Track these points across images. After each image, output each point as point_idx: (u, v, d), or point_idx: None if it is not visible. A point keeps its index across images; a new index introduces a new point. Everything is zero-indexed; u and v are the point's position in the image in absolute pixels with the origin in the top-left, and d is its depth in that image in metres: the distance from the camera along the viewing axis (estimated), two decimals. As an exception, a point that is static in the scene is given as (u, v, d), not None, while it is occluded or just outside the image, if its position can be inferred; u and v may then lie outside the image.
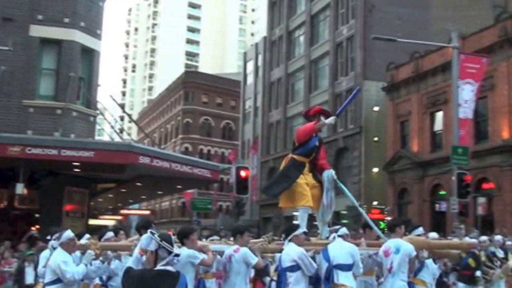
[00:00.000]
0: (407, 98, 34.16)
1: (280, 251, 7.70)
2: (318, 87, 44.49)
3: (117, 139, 29.94)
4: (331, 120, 8.58)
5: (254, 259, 7.47)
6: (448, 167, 21.77)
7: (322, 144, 8.82)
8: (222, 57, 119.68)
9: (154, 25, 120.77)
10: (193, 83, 71.66)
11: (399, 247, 7.78)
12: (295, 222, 9.52)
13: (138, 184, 23.35)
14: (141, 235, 7.46)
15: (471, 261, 11.62)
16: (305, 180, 8.43)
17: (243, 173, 21.16)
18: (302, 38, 47.62)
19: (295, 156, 8.53)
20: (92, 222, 24.67)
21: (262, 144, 50.24)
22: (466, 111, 21.53)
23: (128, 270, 4.98)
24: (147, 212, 43.90)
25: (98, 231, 8.85)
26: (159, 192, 32.65)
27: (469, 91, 21.80)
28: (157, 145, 58.78)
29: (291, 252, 7.40)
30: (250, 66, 56.34)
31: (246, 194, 22.21)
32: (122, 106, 44.57)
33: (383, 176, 35.67)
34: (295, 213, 41.29)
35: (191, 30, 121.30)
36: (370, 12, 38.66)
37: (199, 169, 20.82)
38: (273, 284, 8.60)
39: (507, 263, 12.86)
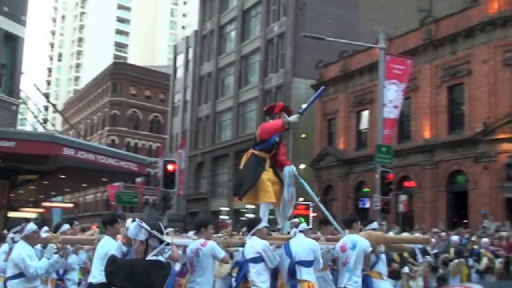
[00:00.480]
0: (335, 96, 34.80)
1: (243, 245, 7.74)
2: (248, 82, 44.62)
3: (40, 129, 28.91)
4: (294, 118, 8.54)
5: (222, 253, 7.44)
6: (372, 165, 22.32)
7: (282, 140, 8.86)
8: (152, 49, 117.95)
9: (82, 13, 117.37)
10: (121, 74, 70.26)
11: (355, 243, 7.93)
12: (248, 216, 9.52)
13: (62, 176, 22.61)
14: (107, 229, 7.48)
15: (396, 257, 11.93)
16: (267, 176, 8.44)
17: (170, 167, 20.90)
18: (233, 33, 47.59)
19: (256, 152, 8.54)
20: (11, 214, 23.68)
21: (190, 139, 49.90)
22: (390, 111, 22.15)
23: (114, 259, 4.75)
24: (71, 205, 42.69)
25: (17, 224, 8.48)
26: (84, 185, 31.81)
27: (394, 91, 22.43)
28: (83, 137, 57.27)
29: (255, 244, 7.49)
30: (181, 59, 55.78)
31: (173, 188, 21.96)
32: (46, 95, 43.04)
33: (310, 172, 36.20)
34: (222, 208, 41.47)
35: (121, 20, 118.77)
36: (302, 10, 39.11)
37: (125, 162, 20.37)
38: (233, 280, 8.59)
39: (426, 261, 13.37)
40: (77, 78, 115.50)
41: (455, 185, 27.48)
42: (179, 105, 54.83)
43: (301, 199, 35.28)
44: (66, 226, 8.86)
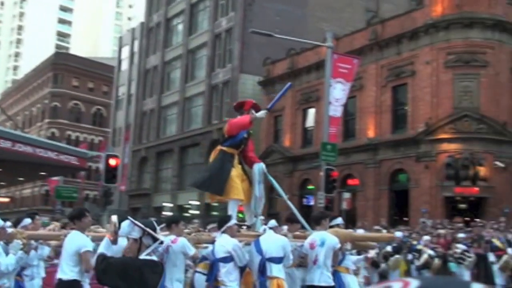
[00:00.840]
0: (282, 93, 34.81)
1: (213, 241, 7.79)
2: (195, 77, 44.16)
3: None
4: (262, 114, 8.70)
5: (192, 250, 7.44)
6: (317, 163, 22.42)
7: (250, 136, 8.95)
8: (96, 40, 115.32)
9: (22, 0, 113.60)
10: (63, 65, 68.32)
11: (324, 240, 8.03)
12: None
13: (-3, 169, 21.72)
14: (74, 224, 7.34)
15: None
16: (236, 172, 8.49)
17: (112, 162, 20.35)
18: (180, 27, 46.99)
19: (224, 148, 8.60)
20: None
21: (134, 133, 49.00)
22: (336, 109, 22.29)
23: (105, 258, 4.72)
24: (6, 199, 41.20)
25: None
26: (20, 179, 30.72)
27: (340, 90, 22.58)
28: (20, 129, 55.39)
29: (225, 243, 7.54)
30: (126, 51, 54.65)
31: (115, 183, 21.45)
32: (-17, 84, 41.39)
33: (255, 169, 36.15)
34: (165, 204, 40.80)
35: (64, 9, 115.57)
36: (250, 6, 38.96)
37: (65, 155, 19.75)
38: (197, 275, 8.86)
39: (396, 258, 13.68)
40: (16, 68, 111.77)
41: (397, 183, 27.99)
42: (123, 98, 53.74)
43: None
44: (27, 221, 8.62)
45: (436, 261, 15.01)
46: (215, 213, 37.96)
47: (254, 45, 37.11)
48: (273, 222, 8.40)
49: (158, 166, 46.64)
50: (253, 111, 8.71)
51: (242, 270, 7.82)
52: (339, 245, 8.23)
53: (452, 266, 14.86)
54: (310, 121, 33.06)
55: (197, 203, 38.72)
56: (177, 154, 43.49)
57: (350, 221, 24.94)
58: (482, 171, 24.88)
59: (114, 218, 5.52)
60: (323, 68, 24.05)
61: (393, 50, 28.29)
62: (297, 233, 8.86)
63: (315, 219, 8.66)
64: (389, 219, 25.93)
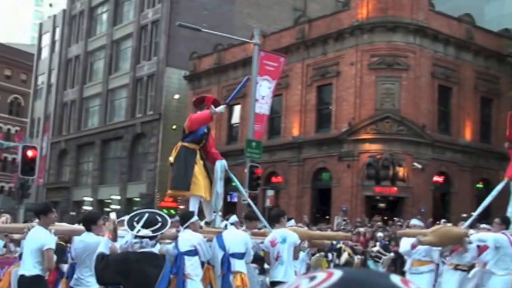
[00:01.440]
0: (208, 88, 34.53)
1: (175, 237, 7.81)
2: (119, 69, 43.07)
3: None
4: (221, 109, 8.68)
5: (163, 246, 7.44)
6: (242, 160, 22.38)
7: (210, 131, 9.00)
8: (14, 26, 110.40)
9: None
10: (-22, 50, 64.99)
11: (285, 237, 8.19)
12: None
13: None
14: (40, 219, 7.30)
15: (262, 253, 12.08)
16: (198, 169, 8.52)
17: (30, 153, 19.42)
18: (105, 16, 45.66)
19: (186, 144, 8.59)
20: None
21: (54, 124, 47.24)
22: (262, 106, 22.30)
23: (104, 256, 4.88)
24: None
25: None
26: None
27: (266, 87, 22.62)
28: None
29: (190, 238, 7.59)
30: (46, 39, 52.56)
31: (32, 175, 20.54)
32: None
33: (179, 165, 35.72)
34: (85, 198, 39.46)
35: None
36: (178, -2, 38.41)
37: (-22, 146, 18.70)
38: None
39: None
40: None
41: (319, 182, 28.39)
42: (42, 87, 51.69)
43: (169, 191, 34.79)
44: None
45: (356, 260, 15.32)
46: (136, 208, 37.25)
47: (180, 38, 36.59)
48: (234, 218, 8.80)
49: (78, 159, 45.23)
50: (212, 106, 8.68)
51: (202, 265, 7.92)
52: (299, 241, 8.45)
53: (370, 264, 15.22)
54: (235, 118, 32.98)
55: (118, 197, 37.85)
56: (98, 147, 42.33)
57: (273, 219, 25.07)
58: (401, 171, 25.64)
59: (113, 215, 5.67)
60: (250, 64, 24.00)
61: (319, 50, 28.63)
62: (255, 230, 9.01)
63: (274, 217, 8.82)
64: (311, 217, 26.26)
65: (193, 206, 8.60)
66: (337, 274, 0.85)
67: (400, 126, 25.98)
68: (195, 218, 7.97)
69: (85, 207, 39.10)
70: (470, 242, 9.02)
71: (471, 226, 10.15)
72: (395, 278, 0.83)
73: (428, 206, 25.71)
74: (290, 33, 30.32)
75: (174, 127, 37.15)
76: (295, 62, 28.94)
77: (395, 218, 21.99)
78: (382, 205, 26.22)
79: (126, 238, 7.55)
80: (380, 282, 0.80)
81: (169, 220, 5.31)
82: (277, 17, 38.26)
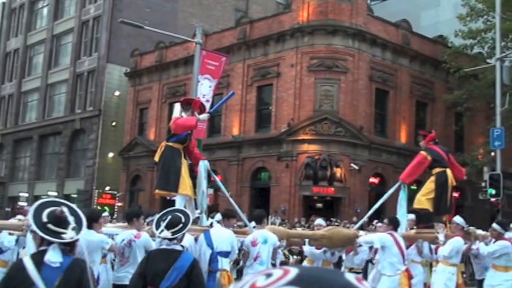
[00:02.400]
0: (149, 86, 34.33)
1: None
2: (59, 64, 42.20)
3: None
4: (204, 116, 9.00)
5: (153, 246, 7.47)
6: (181, 158, 22.31)
7: (192, 132, 9.10)
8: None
9: None
10: None
11: (266, 238, 8.35)
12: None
13: None
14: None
15: None
16: (183, 168, 8.71)
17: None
18: (45, 10, 44.65)
19: (170, 144, 8.72)
20: None
21: (-11, 118, 45.88)
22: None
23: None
24: None
25: None
26: None
27: (207, 86, 22.64)
28: None
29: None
30: (-16, 31, 50.93)
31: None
32: None
33: (118, 161, 35.33)
34: (21, 194, 38.27)
35: None
36: (120, -6, 37.94)
37: None
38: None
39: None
40: None
41: (258, 181, 28.63)
42: (-21, 80, 50.07)
43: (107, 187, 34.37)
44: None
45: (292, 259, 15.55)
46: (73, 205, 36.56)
47: (122, 35, 36.18)
48: (219, 216, 8.84)
49: (15, 154, 44.07)
50: (196, 113, 8.90)
51: None
52: (279, 243, 8.67)
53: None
54: (176, 115, 32.81)
55: (55, 193, 37.07)
56: (36, 142, 41.37)
57: (212, 217, 25.13)
58: (338, 172, 26.13)
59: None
60: (191, 63, 24.03)
61: (260, 51, 28.88)
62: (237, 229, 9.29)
63: (256, 218, 8.97)
64: (250, 216, 26.40)
65: (178, 205, 8.74)
66: (293, 271, 0.85)
67: (338, 128, 26.49)
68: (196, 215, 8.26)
69: (20, 203, 38.13)
70: (360, 245, 9.32)
71: (362, 227, 10.53)
72: (349, 276, 0.85)
73: (364, 207, 26.27)
74: (231, 33, 30.46)
75: (114, 123, 36.78)
76: (236, 62, 29.09)
77: (332, 219, 22.42)
78: (319, 205, 26.66)
79: (121, 236, 7.68)
80: (335, 279, 0.81)
81: (191, 220, 5.62)
82: (219, 17, 38.36)
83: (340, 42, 27.21)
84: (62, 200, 4.45)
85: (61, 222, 4.04)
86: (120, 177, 34.76)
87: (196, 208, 9.13)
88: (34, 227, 4.04)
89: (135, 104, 34.95)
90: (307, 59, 27.19)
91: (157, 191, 9.09)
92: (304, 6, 27.54)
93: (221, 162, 29.29)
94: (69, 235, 4.02)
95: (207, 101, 22.91)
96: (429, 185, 10.17)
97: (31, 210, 4.14)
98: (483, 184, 22.55)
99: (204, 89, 22.63)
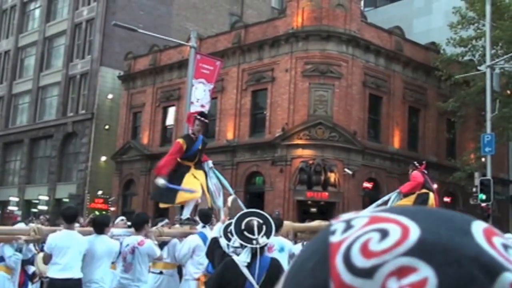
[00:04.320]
0: (143, 89, 34.30)
1: (175, 235, 8.20)
2: (51, 66, 42.04)
3: None
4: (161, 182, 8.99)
5: (157, 253, 7.57)
6: (176, 162, 22.33)
7: (205, 146, 9.42)
8: None
9: None
10: None
11: (283, 246, 8.49)
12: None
13: None
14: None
15: None
16: (191, 174, 8.81)
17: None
18: (37, 12, 44.48)
19: (179, 161, 8.88)
20: None
21: (-21, 120, 45.53)
22: (197, 109, 22.33)
23: (217, 240, 6.11)
24: None
25: None
26: None
27: (201, 90, 22.68)
28: None
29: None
30: (-26, 32, 50.62)
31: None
32: None
33: (111, 166, 35.23)
34: (11, 198, 37.87)
35: None
36: (114, -3, 37.91)
37: None
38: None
39: None
40: None
41: (253, 185, 28.68)
42: (-32, 82, 49.72)
43: (100, 192, 34.25)
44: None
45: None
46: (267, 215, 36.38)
47: (116, 38, 36.14)
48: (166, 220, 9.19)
49: (5, 158, 43.76)
50: (196, 121, 9.19)
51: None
52: (294, 250, 8.67)
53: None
54: (170, 120, 32.86)
55: (46, 198, 36.90)
56: (27, 145, 41.14)
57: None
58: (332, 177, 26.26)
59: (230, 199, 7.42)
60: (186, 67, 24.06)
61: (255, 56, 28.99)
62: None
63: (203, 217, 8.91)
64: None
65: (188, 208, 9.05)
66: (414, 232, 0.68)
67: (332, 133, 26.64)
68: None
69: (10, 207, 37.92)
70: None
71: None
72: (479, 236, 0.68)
73: (358, 211, 26.42)
74: (226, 38, 30.54)
75: (107, 127, 36.69)
76: (230, 67, 29.17)
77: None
78: (313, 209, 26.76)
79: (127, 241, 7.63)
80: (464, 248, 0.66)
81: (273, 225, 5.52)
82: (214, 21, 38.44)
83: (334, 47, 27.39)
84: (259, 211, 5.56)
85: (255, 230, 5.07)
86: (113, 181, 34.66)
87: (211, 208, 9.16)
88: (233, 233, 5.21)
89: (129, 107, 34.90)
90: (301, 64, 27.33)
91: (155, 200, 9.28)
92: (299, 12, 27.70)
93: (215, 167, 29.26)
94: (260, 241, 5.06)
95: (202, 106, 23.01)
96: (409, 199, 10.65)
97: (235, 218, 5.29)
98: (473, 189, 22.80)
99: (199, 93, 22.67)
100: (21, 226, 8.54)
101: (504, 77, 26.69)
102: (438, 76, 28.74)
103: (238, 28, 30.32)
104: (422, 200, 10.47)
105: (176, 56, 31.98)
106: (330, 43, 27.35)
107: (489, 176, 22.36)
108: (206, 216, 8.58)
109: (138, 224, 7.79)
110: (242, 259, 5.06)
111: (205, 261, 7.83)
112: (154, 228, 8.30)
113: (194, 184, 8.80)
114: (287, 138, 26.84)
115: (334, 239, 0.70)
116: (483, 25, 25.68)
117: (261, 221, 5.19)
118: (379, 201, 11.20)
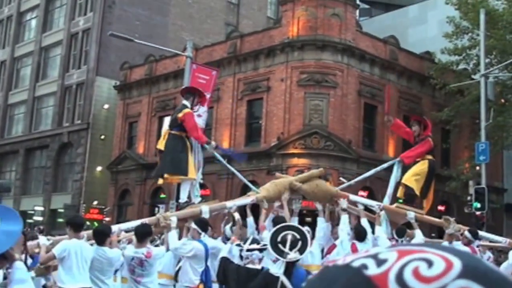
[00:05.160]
0: (138, 99, 34.34)
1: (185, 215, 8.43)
2: (47, 76, 42.08)
3: None
4: (210, 147, 9.60)
5: (172, 245, 7.84)
6: (171, 171, 22.32)
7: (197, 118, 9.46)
8: None
9: None
10: None
11: None
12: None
13: None
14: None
15: None
16: (189, 152, 8.97)
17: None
18: (34, 22, 44.57)
19: (174, 132, 8.95)
20: None
21: (-25, 131, 45.42)
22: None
23: (231, 262, 6.16)
24: None
25: None
26: None
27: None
28: None
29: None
30: (-30, 43, 50.64)
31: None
32: None
33: (106, 175, 35.18)
34: None
35: None
36: (110, 8, 37.99)
37: None
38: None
39: None
40: None
41: (248, 195, 28.61)
42: (-36, 92, 49.66)
43: (95, 202, 34.18)
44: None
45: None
46: (60, 220, 36.33)
47: (112, 48, 36.22)
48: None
49: (0, 168, 43.68)
50: (212, 143, 9.62)
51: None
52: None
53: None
54: (165, 129, 32.84)
55: (42, 208, 36.80)
56: (22, 156, 41.07)
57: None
58: (327, 186, 26.24)
59: (237, 215, 7.60)
60: (181, 77, 24.12)
61: (250, 65, 29.07)
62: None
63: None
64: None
65: (185, 190, 9.06)
66: (457, 262, 0.75)
67: (327, 142, 26.68)
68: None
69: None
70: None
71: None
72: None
73: (354, 220, 26.42)
74: (222, 47, 30.64)
75: (102, 137, 36.67)
76: (226, 76, 29.25)
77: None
78: (309, 219, 26.67)
79: (130, 252, 7.48)
80: (501, 273, 0.75)
81: (309, 242, 5.62)
82: (210, 31, 38.56)
83: (330, 57, 27.50)
84: (296, 225, 5.89)
85: (287, 244, 5.23)
86: (109, 191, 34.60)
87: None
88: (268, 245, 5.37)
89: (124, 117, 34.91)
90: (297, 73, 27.42)
91: (166, 175, 9.11)
92: (294, 21, 27.83)
93: (210, 176, 29.24)
94: (292, 256, 5.23)
95: (199, 116, 23.05)
96: (423, 166, 10.39)
97: (273, 229, 5.55)
98: (468, 198, 22.83)
99: (195, 103, 22.77)
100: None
101: (498, 85, 26.84)
102: (432, 85, 28.86)
103: (234, 37, 30.43)
104: (432, 167, 10.40)
105: (172, 66, 32.06)
106: (325, 52, 27.46)
107: (483, 184, 22.40)
108: (204, 223, 8.36)
109: (142, 236, 7.58)
110: (274, 270, 5.26)
111: (201, 269, 7.82)
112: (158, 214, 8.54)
113: (193, 170, 9.07)
114: (283, 147, 26.87)
115: (372, 272, 0.75)
116: (477, 35, 25.85)
117: (297, 236, 5.32)
118: (378, 169, 11.37)
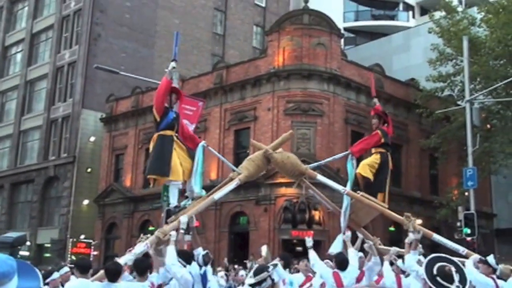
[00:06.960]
0: (125, 132, 34.17)
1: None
2: (32, 110, 41.83)
3: None
4: (171, 66, 8.89)
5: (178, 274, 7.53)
6: (159, 204, 22.13)
7: (179, 116, 8.86)
8: None
9: None
10: None
11: (292, 281, 8.75)
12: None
13: None
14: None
15: None
16: (175, 153, 8.50)
17: None
18: (19, 56, 44.50)
19: (161, 133, 8.51)
20: None
21: (-40, 166, 44.88)
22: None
23: None
24: None
25: None
26: None
27: (184, 131, 22.65)
28: None
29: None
30: (-45, 78, 50.36)
31: None
32: None
33: (93, 209, 34.76)
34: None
35: None
36: (96, 40, 38.02)
37: None
38: None
39: None
40: None
41: (237, 226, 28.41)
42: (-51, 128, 49.19)
43: (82, 236, 33.68)
44: (55, 275, 8.29)
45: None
46: (47, 254, 35.74)
47: (97, 80, 36.16)
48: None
49: (-15, 203, 43.04)
50: (166, 69, 8.82)
51: None
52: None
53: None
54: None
55: (28, 243, 36.17)
56: (7, 191, 40.56)
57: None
58: (317, 215, 26.09)
59: (265, 248, 7.12)
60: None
61: (237, 95, 29.10)
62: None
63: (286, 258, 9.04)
64: (228, 261, 26.10)
65: (174, 194, 8.66)
66: None
67: (315, 170, 26.47)
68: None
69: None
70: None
71: None
72: None
73: (345, 249, 26.21)
74: (208, 78, 30.69)
75: (89, 170, 36.32)
76: (213, 107, 29.24)
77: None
78: (299, 248, 26.46)
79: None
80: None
81: (466, 274, 5.36)
82: (196, 62, 38.67)
83: (316, 86, 27.60)
84: (453, 258, 5.48)
85: (448, 277, 5.02)
86: (96, 224, 34.15)
87: (184, 193, 8.85)
88: (424, 276, 5.13)
89: (111, 150, 34.67)
90: (283, 102, 27.46)
91: (148, 176, 8.80)
92: (280, 51, 27.98)
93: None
94: None
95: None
96: (376, 157, 10.32)
97: (425, 260, 5.24)
98: (458, 224, 22.79)
99: (181, 133, 22.67)
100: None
101: (483, 111, 27.03)
102: (419, 113, 29.01)
103: (220, 68, 30.51)
104: (384, 159, 10.23)
105: (158, 98, 32.00)
106: (311, 81, 27.57)
107: (472, 210, 22.39)
108: (188, 255, 8.16)
109: (141, 271, 7.44)
110: None
111: None
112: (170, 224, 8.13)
113: (178, 171, 8.52)
114: (271, 177, 26.69)
115: None
116: (461, 61, 26.11)
117: (453, 268, 5.18)
118: (330, 159, 12.23)
